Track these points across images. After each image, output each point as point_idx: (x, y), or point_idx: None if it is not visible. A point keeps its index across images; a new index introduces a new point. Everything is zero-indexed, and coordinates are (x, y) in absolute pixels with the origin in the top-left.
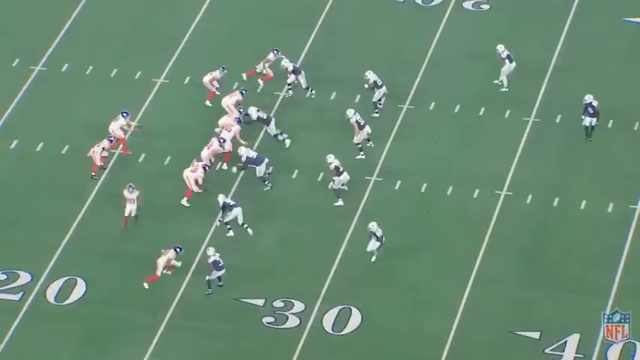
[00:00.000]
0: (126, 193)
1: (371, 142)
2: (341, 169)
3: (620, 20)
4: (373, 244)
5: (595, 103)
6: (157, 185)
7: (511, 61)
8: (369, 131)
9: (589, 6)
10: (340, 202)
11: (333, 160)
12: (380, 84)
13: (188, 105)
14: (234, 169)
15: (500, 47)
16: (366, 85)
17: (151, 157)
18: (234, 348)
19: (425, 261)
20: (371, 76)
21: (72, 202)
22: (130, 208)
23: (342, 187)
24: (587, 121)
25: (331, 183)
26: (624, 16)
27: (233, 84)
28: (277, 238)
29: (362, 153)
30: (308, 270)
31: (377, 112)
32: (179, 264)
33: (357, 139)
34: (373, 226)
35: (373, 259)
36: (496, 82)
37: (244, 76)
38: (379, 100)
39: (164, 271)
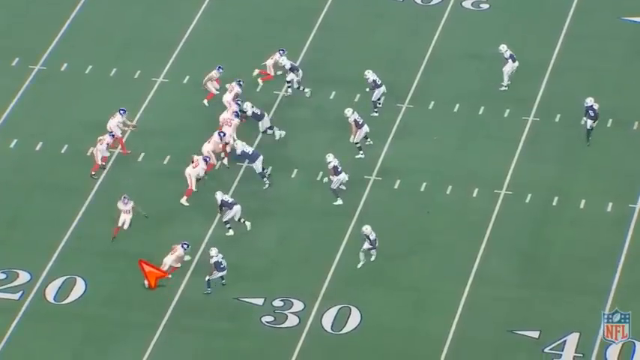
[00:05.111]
0: (120, 205)
1: (369, 140)
2: (339, 169)
3: (619, 19)
4: (365, 247)
5: (596, 106)
6: (156, 184)
7: (514, 61)
8: (368, 130)
9: (588, 5)
10: (339, 202)
11: (332, 160)
12: (379, 83)
13: (187, 104)
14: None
15: (503, 47)
16: (367, 89)
17: (150, 156)
18: (234, 347)
19: (424, 260)
20: (370, 75)
21: (71, 201)
22: (124, 219)
23: (340, 187)
24: (589, 124)
25: (329, 182)
26: (623, 15)
27: (232, 83)
28: (276, 237)
29: (361, 152)
30: (307, 269)
31: (376, 112)
32: (188, 257)
33: (355, 139)
34: (367, 229)
35: (360, 265)
36: (503, 88)
37: (260, 82)
38: (378, 99)
39: (171, 267)
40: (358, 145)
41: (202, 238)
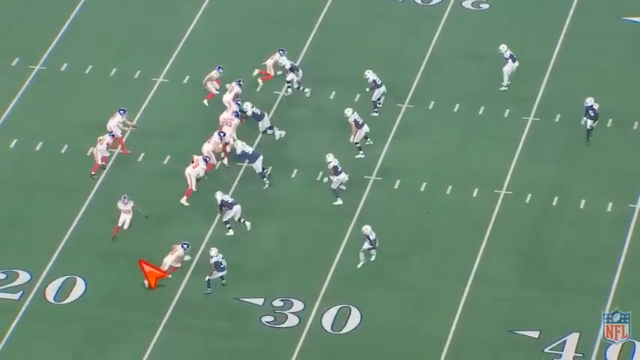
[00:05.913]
0: (120, 205)
1: (369, 140)
2: (339, 169)
3: (619, 19)
4: (365, 247)
5: (596, 106)
6: (155, 184)
7: (514, 61)
8: (368, 130)
9: (588, 5)
10: (339, 202)
11: (332, 160)
12: (379, 83)
13: (187, 104)
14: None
15: (503, 47)
16: (367, 89)
17: (150, 156)
18: (234, 347)
19: (424, 260)
20: (370, 75)
21: (71, 201)
22: (124, 219)
23: (340, 187)
24: (589, 124)
25: (329, 182)
26: (623, 15)
27: (232, 83)
28: (276, 237)
29: (361, 152)
30: (307, 269)
31: (376, 112)
32: (188, 257)
33: (355, 139)
34: (367, 229)
35: (360, 265)
36: (503, 88)
37: (260, 82)
38: (378, 99)
39: (171, 267)
40: (358, 145)
41: (202, 238)
